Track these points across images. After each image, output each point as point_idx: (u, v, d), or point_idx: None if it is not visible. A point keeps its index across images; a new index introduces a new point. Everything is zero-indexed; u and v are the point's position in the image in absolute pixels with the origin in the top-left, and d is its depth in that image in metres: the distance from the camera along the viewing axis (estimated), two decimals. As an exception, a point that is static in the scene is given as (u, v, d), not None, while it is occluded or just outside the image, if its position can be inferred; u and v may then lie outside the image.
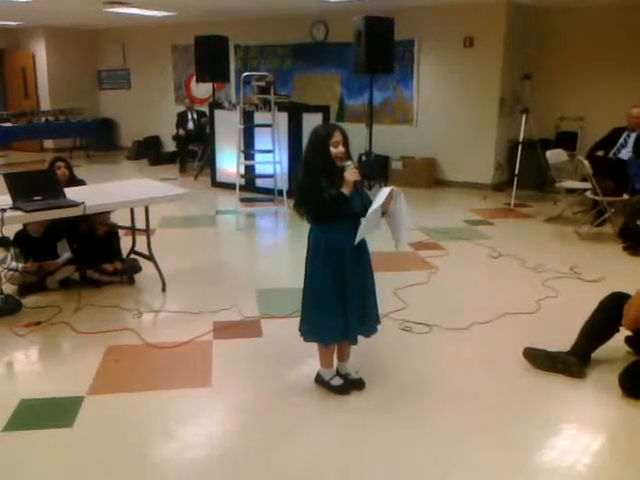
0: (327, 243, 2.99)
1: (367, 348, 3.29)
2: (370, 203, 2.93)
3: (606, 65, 8.20)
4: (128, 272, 4.92)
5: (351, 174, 2.88)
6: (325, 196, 2.87)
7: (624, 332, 3.49)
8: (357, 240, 2.94)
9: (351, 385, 3.27)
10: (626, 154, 6.79)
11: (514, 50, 8.54)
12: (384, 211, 2.93)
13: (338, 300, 3.02)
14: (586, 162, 6.27)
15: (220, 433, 2.93)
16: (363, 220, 2.95)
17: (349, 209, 2.94)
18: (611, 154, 6.91)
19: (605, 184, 6.28)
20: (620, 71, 8.09)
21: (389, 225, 3.06)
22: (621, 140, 6.88)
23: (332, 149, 2.90)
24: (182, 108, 11.09)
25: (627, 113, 6.82)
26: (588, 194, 6.55)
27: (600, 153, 7.01)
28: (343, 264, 3.00)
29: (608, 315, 3.41)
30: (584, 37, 8.33)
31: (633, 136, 6.79)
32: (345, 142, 2.94)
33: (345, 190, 2.88)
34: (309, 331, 3.14)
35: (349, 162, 2.92)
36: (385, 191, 2.90)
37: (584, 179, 6.68)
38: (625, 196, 6.27)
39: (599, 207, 6.50)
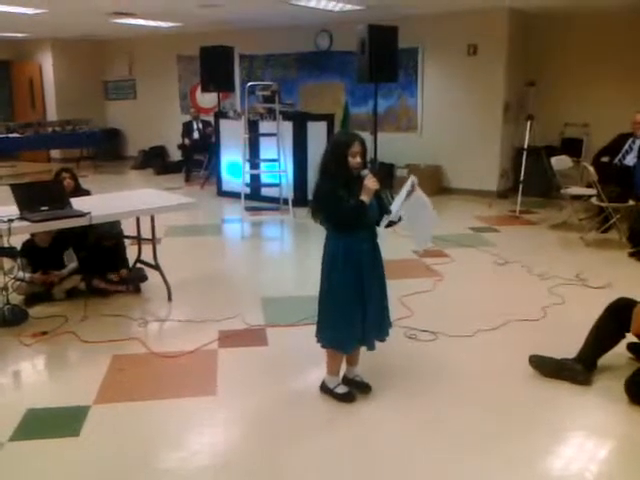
0: (345, 251, 3.02)
1: (373, 355, 3.28)
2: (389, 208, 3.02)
3: (611, 71, 8.20)
4: (134, 281, 4.94)
5: (372, 182, 2.91)
6: (344, 205, 2.91)
7: (630, 338, 3.47)
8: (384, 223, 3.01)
9: (358, 388, 3.28)
10: (631, 160, 6.78)
11: (518, 57, 8.56)
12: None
13: (356, 307, 3.05)
14: (591, 168, 6.26)
15: (225, 442, 2.93)
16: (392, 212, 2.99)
17: (368, 218, 2.98)
18: (616, 160, 6.89)
19: (610, 190, 6.27)
20: (625, 77, 8.08)
21: (410, 220, 3.08)
22: (626, 146, 6.86)
23: (350, 159, 2.93)
24: (188, 118, 11.15)
25: (632, 119, 6.81)
26: (593, 200, 6.54)
27: (605, 159, 6.99)
28: (361, 271, 3.03)
29: (614, 321, 3.40)
30: (588, 43, 8.33)
31: (638, 142, 6.78)
32: (363, 153, 2.97)
33: (365, 198, 2.91)
34: (330, 338, 3.15)
35: (366, 171, 2.96)
36: (407, 184, 2.96)
37: (589, 185, 6.67)
38: (631, 202, 6.25)
39: (605, 213, 6.49)
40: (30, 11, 8.40)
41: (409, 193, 2.98)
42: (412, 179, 3.02)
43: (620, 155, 6.88)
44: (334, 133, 8.18)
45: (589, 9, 7.97)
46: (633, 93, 7.88)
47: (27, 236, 4.65)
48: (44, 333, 4.09)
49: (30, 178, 10.12)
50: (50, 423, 3.05)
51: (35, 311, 4.49)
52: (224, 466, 2.71)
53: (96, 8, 8.25)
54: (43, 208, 4.14)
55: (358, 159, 2.94)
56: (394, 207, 2.98)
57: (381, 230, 3.13)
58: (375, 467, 2.70)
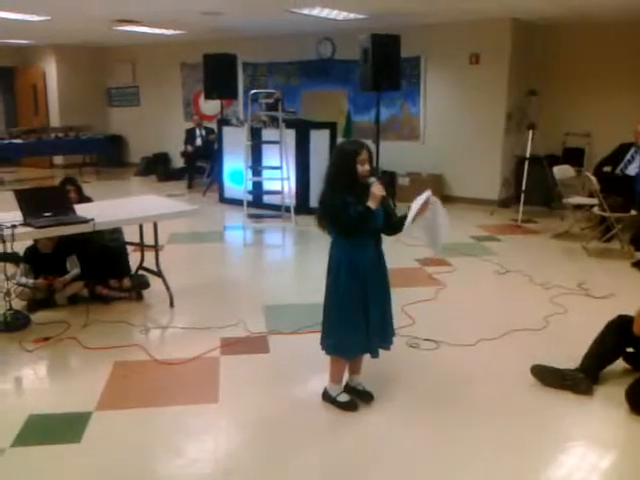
0: (350, 258, 3.03)
1: (375, 364, 3.29)
2: (396, 215, 3.06)
3: (612, 81, 8.23)
4: (136, 288, 4.95)
5: (379, 189, 2.93)
6: (351, 212, 2.92)
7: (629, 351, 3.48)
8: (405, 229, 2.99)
9: (360, 397, 3.28)
10: (633, 170, 6.79)
11: (520, 66, 8.59)
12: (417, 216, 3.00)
13: (361, 314, 3.05)
14: (593, 178, 6.27)
15: (227, 449, 2.93)
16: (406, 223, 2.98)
17: (373, 225, 2.99)
18: (618, 170, 6.91)
19: (612, 200, 6.28)
20: (627, 86, 8.10)
21: (423, 230, 3.09)
22: (628, 156, 6.88)
23: (358, 167, 2.95)
24: (190, 125, 11.18)
25: (634, 129, 6.83)
26: (595, 210, 6.54)
27: (607, 169, 7.01)
28: (365, 279, 3.04)
29: (615, 336, 3.43)
30: (590, 53, 8.36)
31: (640, 152, 6.80)
32: (370, 160, 2.99)
33: (372, 204, 2.93)
34: (333, 345, 3.15)
35: (373, 178, 2.97)
36: (422, 198, 2.97)
37: (591, 195, 6.68)
38: (633, 212, 6.26)
39: (606, 223, 6.49)
40: (34, 18, 8.45)
41: (422, 205, 2.98)
42: (427, 194, 3.01)
43: (622, 165, 6.90)
44: (337, 141, 8.20)
45: (592, 19, 8.01)
46: (635, 103, 7.90)
47: (30, 242, 4.65)
48: (46, 339, 4.09)
49: (32, 184, 10.14)
50: (52, 429, 3.05)
51: (37, 317, 4.49)
52: (226, 473, 2.71)
53: (100, 15, 8.30)
54: (46, 214, 4.14)
55: (366, 167, 2.96)
56: (408, 220, 2.98)
57: (385, 237, 3.14)
58: (377, 477, 2.70)
